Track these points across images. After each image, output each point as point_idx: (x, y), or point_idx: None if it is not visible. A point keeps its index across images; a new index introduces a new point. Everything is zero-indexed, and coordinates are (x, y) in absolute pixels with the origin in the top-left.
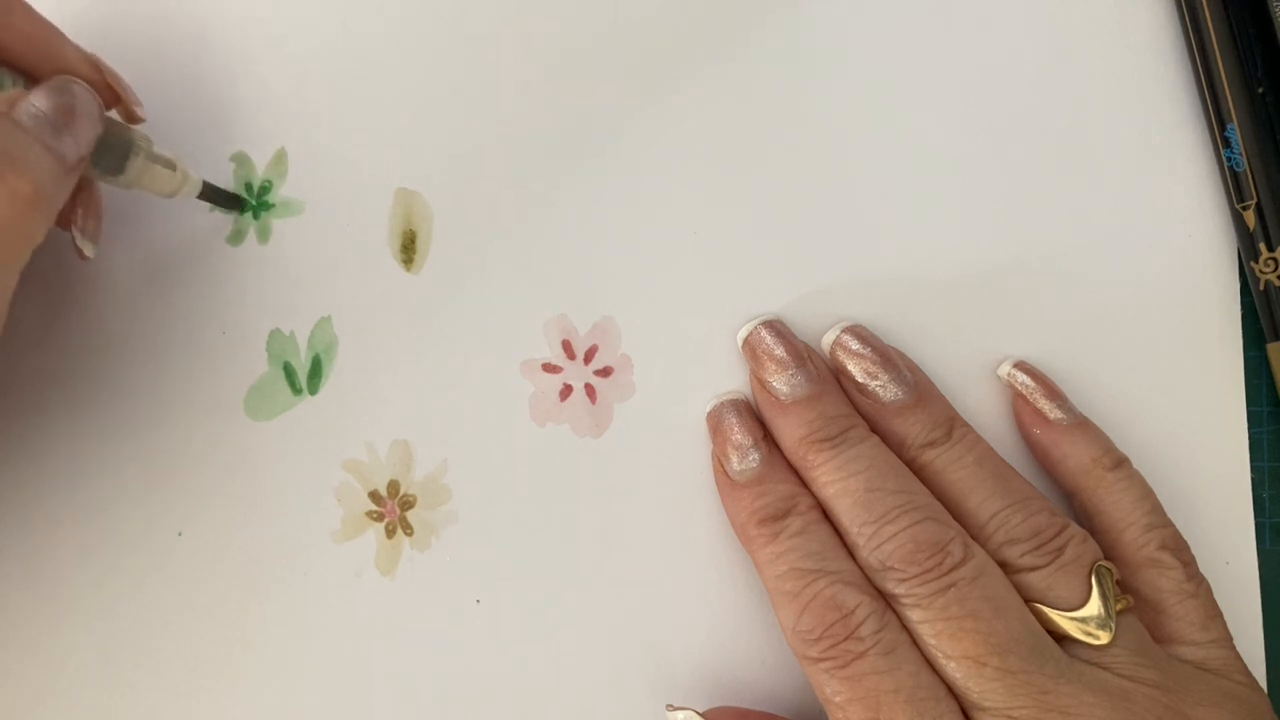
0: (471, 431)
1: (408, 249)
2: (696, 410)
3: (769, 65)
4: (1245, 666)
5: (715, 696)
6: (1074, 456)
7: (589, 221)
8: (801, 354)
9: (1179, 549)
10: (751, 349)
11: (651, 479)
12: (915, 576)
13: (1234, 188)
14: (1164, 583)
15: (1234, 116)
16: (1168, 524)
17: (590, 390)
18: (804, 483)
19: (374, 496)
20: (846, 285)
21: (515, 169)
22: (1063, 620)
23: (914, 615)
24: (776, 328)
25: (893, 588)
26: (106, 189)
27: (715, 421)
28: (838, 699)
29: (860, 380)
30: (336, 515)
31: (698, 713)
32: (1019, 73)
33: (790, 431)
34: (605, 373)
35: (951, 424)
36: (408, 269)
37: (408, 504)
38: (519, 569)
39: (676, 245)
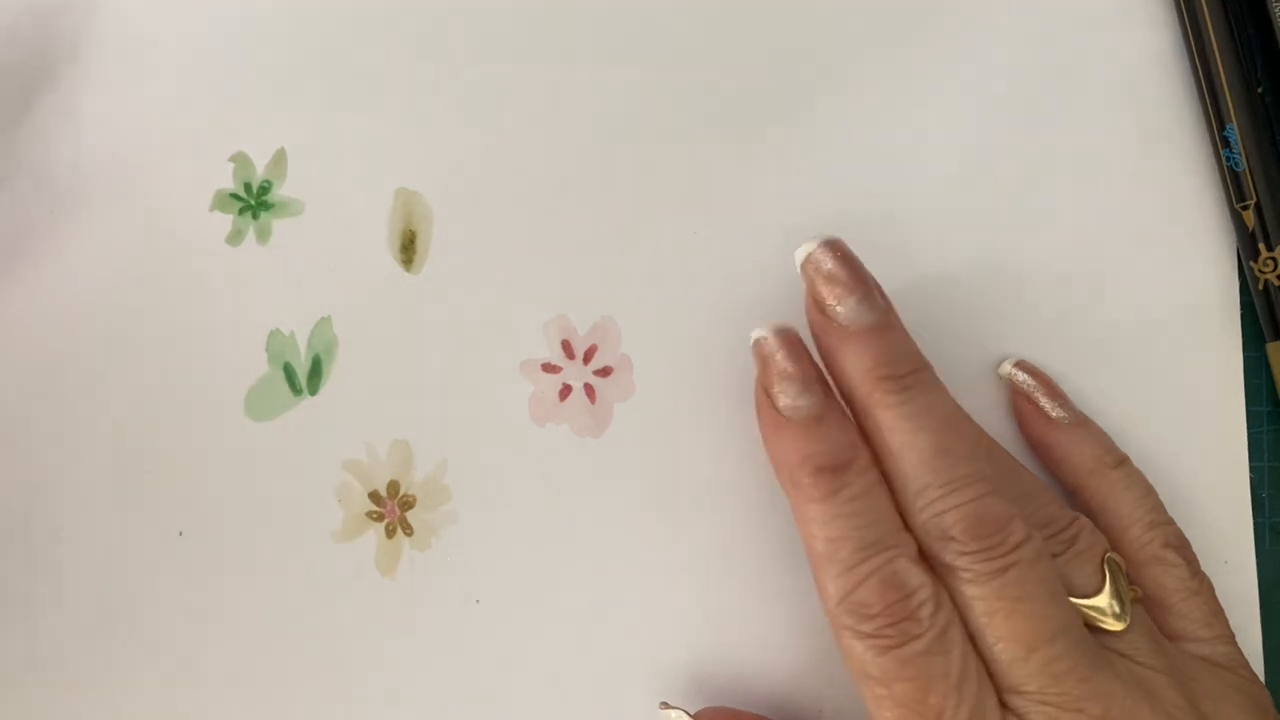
0: (471, 431)
1: (407, 249)
2: (697, 410)
3: (771, 64)
4: (1249, 665)
5: (711, 697)
6: (1076, 455)
7: (589, 222)
8: (867, 280)
9: (1182, 547)
10: (812, 269)
11: (652, 479)
12: (976, 552)
13: (1233, 187)
14: (1168, 580)
15: (1233, 117)
16: (1170, 522)
17: (590, 390)
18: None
19: (374, 497)
20: None
21: (516, 169)
22: (1081, 607)
23: (969, 590)
24: (839, 249)
25: (950, 559)
26: (104, 193)
27: (764, 352)
28: (882, 675)
29: None
30: (337, 516)
31: (688, 714)
32: (1018, 73)
33: (855, 362)
34: (605, 373)
35: None
36: (407, 269)
37: (408, 504)
38: (518, 569)
39: (677, 245)
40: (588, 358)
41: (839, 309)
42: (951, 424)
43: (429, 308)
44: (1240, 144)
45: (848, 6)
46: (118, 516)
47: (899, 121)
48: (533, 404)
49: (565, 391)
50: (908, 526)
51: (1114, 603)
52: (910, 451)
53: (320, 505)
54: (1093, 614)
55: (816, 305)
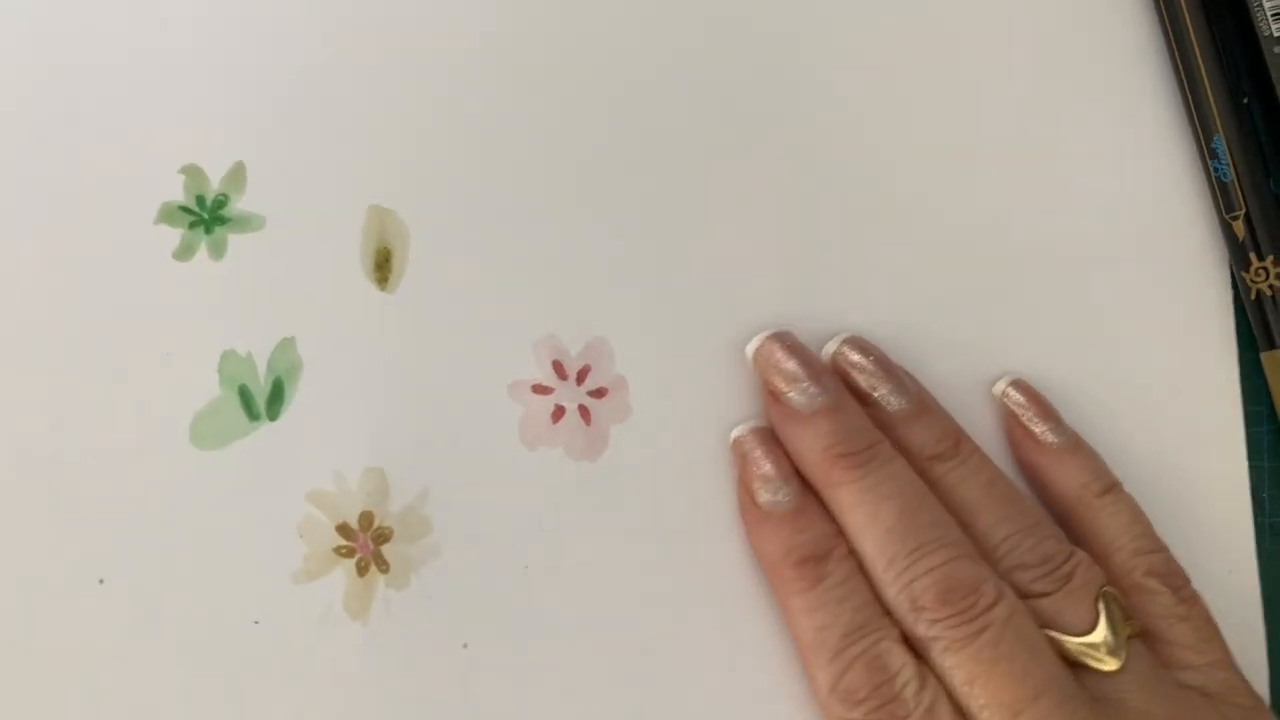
0: (455, 457)
1: (382, 267)
2: (697, 431)
3: (761, 79)
4: (1249, 688)
5: None
6: (1062, 481)
7: (579, 237)
8: (815, 365)
9: (1167, 574)
10: (762, 362)
11: (652, 503)
12: (948, 618)
13: (1222, 198)
14: (1152, 608)
15: (1220, 128)
16: (1156, 549)
17: (584, 411)
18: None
19: (343, 530)
20: (843, 301)
21: (499, 182)
22: (1074, 646)
23: (946, 660)
24: (786, 340)
25: (924, 630)
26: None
27: (742, 450)
28: None
29: (864, 390)
30: (299, 553)
31: None
32: (1004, 87)
33: (811, 443)
34: (599, 394)
35: (958, 438)
36: (381, 287)
37: (383, 537)
38: (510, 608)
39: (670, 261)
40: (581, 378)
41: (791, 395)
42: (912, 491)
43: (406, 327)
44: (1228, 155)
45: (837, 26)
46: (26, 563)
47: (888, 138)
48: (523, 427)
49: (558, 413)
50: (884, 605)
51: (1108, 640)
52: (875, 524)
53: (278, 542)
54: (1086, 652)
55: (771, 396)
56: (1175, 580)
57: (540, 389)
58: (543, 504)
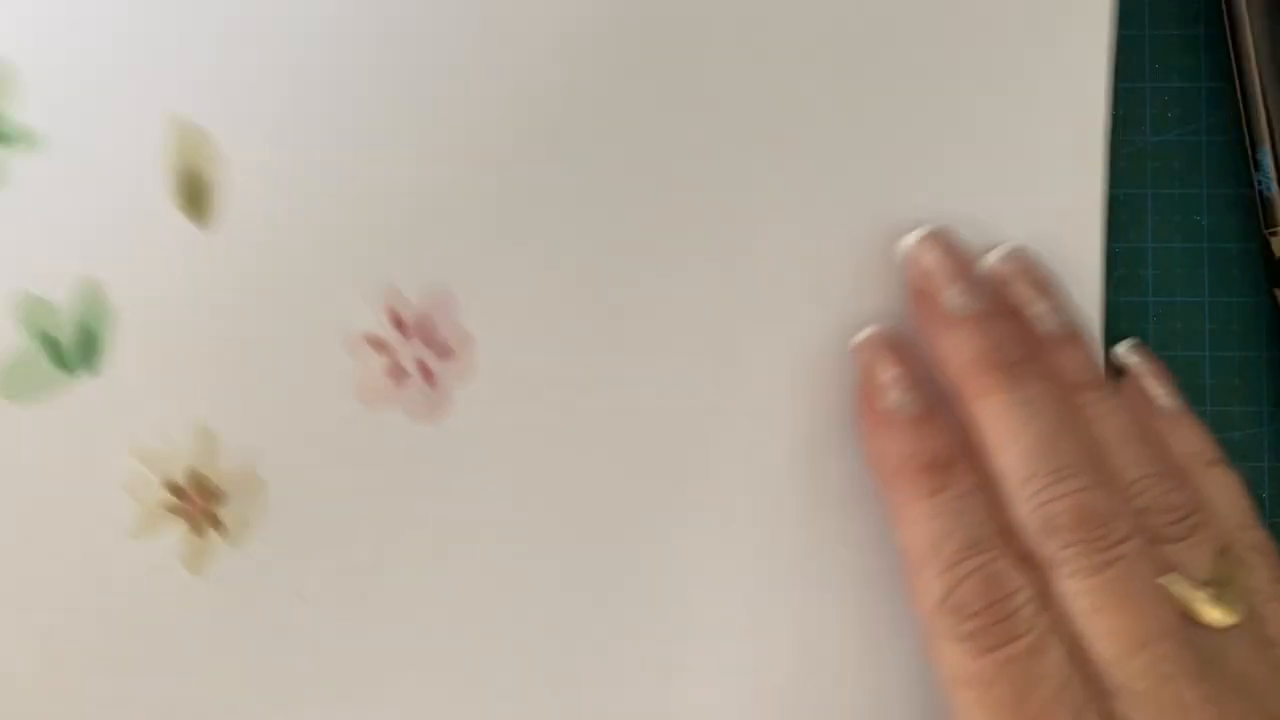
0: (288, 414)
1: (195, 198)
2: (548, 394)
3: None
4: None
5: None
6: (1175, 447)
7: (424, 173)
8: (971, 268)
9: (1266, 552)
10: (915, 258)
11: (495, 470)
12: (1082, 542)
13: (1264, 213)
14: (1252, 582)
15: (1267, 140)
16: (1257, 526)
17: (425, 370)
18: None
19: (173, 489)
20: (721, 258)
21: (331, 103)
22: (1188, 594)
23: (1072, 584)
24: (944, 240)
25: (1054, 551)
26: None
27: (869, 353)
28: (980, 677)
29: (1018, 303)
30: (127, 510)
31: None
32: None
33: (962, 346)
34: (444, 353)
35: (1101, 372)
36: (198, 223)
37: (215, 495)
38: (346, 563)
39: (525, 201)
40: (422, 333)
41: (948, 295)
42: (1061, 412)
43: (228, 269)
44: (1272, 169)
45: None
46: None
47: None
48: (359, 384)
49: (396, 371)
50: (1009, 523)
51: (1223, 597)
52: (1019, 440)
53: (106, 498)
54: (1201, 602)
55: (920, 295)
56: (1273, 559)
57: (377, 343)
58: (381, 466)
